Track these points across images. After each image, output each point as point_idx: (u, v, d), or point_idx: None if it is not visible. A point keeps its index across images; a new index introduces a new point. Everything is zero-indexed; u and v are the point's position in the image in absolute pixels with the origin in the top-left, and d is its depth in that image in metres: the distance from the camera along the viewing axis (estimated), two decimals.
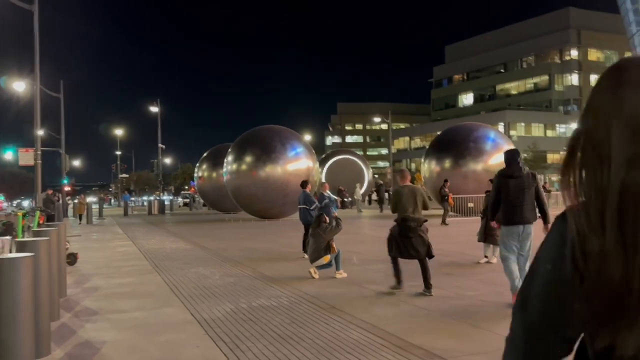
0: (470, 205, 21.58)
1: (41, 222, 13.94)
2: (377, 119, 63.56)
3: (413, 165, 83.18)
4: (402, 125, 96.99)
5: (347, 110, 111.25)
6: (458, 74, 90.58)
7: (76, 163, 59.45)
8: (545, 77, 77.22)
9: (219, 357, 4.93)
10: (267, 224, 23.29)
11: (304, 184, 11.89)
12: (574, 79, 75.55)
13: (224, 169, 26.56)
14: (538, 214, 6.74)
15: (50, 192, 25.66)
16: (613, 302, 0.89)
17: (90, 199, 53.74)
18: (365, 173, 41.66)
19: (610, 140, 0.91)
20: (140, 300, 7.67)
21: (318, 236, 8.96)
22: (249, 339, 5.40)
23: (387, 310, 6.55)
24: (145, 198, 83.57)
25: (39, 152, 22.80)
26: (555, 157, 70.90)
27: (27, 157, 25.60)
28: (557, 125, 74.91)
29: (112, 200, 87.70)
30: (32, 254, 4.34)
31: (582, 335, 1.01)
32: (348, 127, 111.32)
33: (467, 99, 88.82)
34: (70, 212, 39.36)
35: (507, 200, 6.60)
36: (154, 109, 44.85)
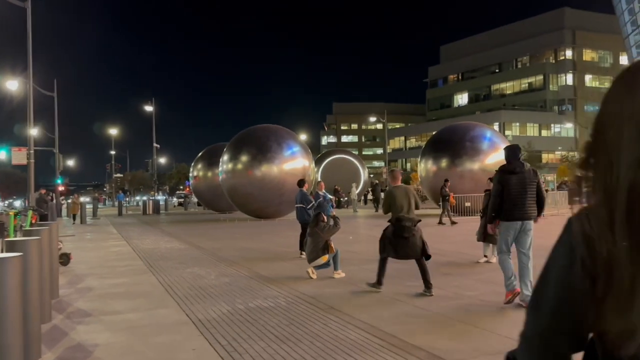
0: (468, 204, 21.50)
1: (34, 221, 13.76)
2: (372, 119, 63.47)
3: (408, 165, 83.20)
4: (398, 125, 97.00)
5: (343, 110, 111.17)
6: (453, 74, 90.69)
7: (70, 163, 59.06)
8: (540, 77, 77.40)
9: None
10: (262, 223, 23.14)
11: (301, 182, 11.76)
12: (568, 79, 75.76)
13: (220, 169, 26.39)
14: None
15: (43, 191, 25.41)
16: (623, 303, 0.90)
17: (84, 198, 53.46)
18: (361, 173, 41.56)
19: (621, 142, 0.92)
20: (134, 301, 7.52)
21: (316, 235, 8.83)
22: (246, 341, 5.26)
23: (385, 311, 6.43)
24: (137, 198, 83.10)
25: (32, 152, 22.56)
26: (550, 157, 71.07)
27: (20, 156, 25.33)
28: (551, 125, 75.11)
29: (107, 200, 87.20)
30: (21, 253, 4.19)
31: (592, 334, 1.03)
32: (344, 127, 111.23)
33: (462, 99, 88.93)
34: (64, 211, 39.08)
35: (509, 196, 6.53)
36: (149, 108, 44.61)
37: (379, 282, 7.54)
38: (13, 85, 24.75)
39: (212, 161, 31.25)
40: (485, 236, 9.98)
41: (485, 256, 10.21)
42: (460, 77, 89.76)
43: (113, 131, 63.39)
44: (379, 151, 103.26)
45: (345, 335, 5.34)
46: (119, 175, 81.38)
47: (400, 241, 7.31)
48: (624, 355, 0.91)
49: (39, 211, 18.83)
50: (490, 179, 8.93)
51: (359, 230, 19.06)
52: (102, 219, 32.58)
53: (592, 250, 0.94)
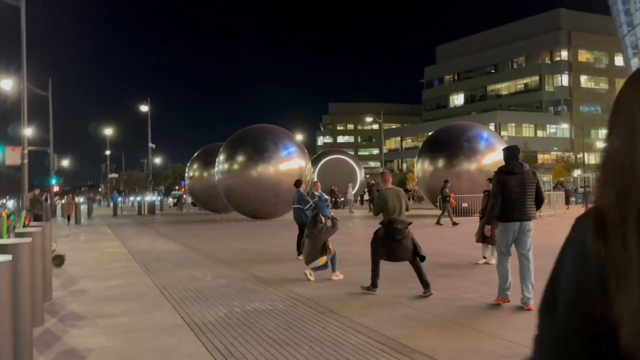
0: (465, 205, 21.43)
1: (27, 222, 13.58)
2: (368, 119, 63.42)
3: (404, 166, 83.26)
4: (394, 126, 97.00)
5: (339, 111, 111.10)
6: (449, 74, 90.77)
7: (65, 163, 58.75)
8: (536, 78, 77.56)
9: None
10: (259, 224, 23.01)
11: (297, 183, 11.64)
12: (564, 79, 75.93)
13: (216, 169, 26.25)
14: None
15: (37, 192, 25.17)
16: (636, 303, 0.88)
17: (78, 198, 53.14)
18: (358, 173, 41.48)
19: (636, 143, 0.92)
20: (129, 303, 7.38)
21: (314, 237, 8.71)
22: (243, 345, 5.14)
23: (385, 313, 6.32)
24: (132, 198, 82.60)
25: (26, 152, 22.36)
26: (545, 158, 71.24)
27: (13, 156, 25.12)
28: (547, 125, 75.26)
29: (102, 201, 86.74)
30: (10, 256, 4.06)
31: (608, 336, 0.98)
32: (340, 127, 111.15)
33: (458, 99, 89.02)
34: (58, 212, 38.81)
35: (509, 197, 6.50)
36: (144, 107, 44.38)
37: (373, 285, 7.49)
38: (7, 84, 24.54)
39: (208, 161, 31.10)
40: (484, 237, 9.90)
41: (484, 257, 10.13)
42: (456, 78, 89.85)
43: (108, 131, 63.15)
44: (375, 151, 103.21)
45: (345, 340, 5.23)
46: (114, 175, 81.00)
47: (392, 244, 7.29)
48: None
49: (33, 212, 18.64)
50: (490, 180, 8.86)
51: (356, 231, 18.95)
52: (97, 220, 32.36)
53: (603, 249, 0.93)
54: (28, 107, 22.28)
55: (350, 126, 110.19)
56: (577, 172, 60.73)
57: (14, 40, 21.73)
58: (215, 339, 5.41)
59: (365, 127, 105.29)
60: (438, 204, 21.93)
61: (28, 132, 24.55)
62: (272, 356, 4.81)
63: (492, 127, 63.55)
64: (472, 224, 17.50)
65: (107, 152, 74.43)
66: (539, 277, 6.61)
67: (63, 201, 39.32)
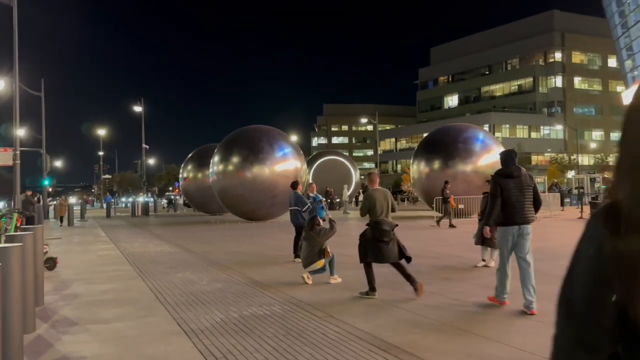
0: (461, 206, 21.33)
1: (19, 224, 13.36)
2: (363, 120, 63.34)
3: (399, 167, 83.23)
4: (388, 127, 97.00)
5: (333, 111, 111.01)
6: (443, 75, 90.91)
7: (58, 163, 58.29)
8: (530, 80, 77.80)
9: None
10: (254, 225, 22.83)
11: (294, 185, 11.48)
12: (557, 81, 76.21)
13: (210, 170, 26.03)
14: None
15: (29, 193, 24.88)
16: None
17: (72, 200, 52.69)
18: (353, 174, 41.34)
19: None
20: (123, 308, 7.21)
21: (312, 239, 8.56)
22: (242, 353, 4.98)
23: (386, 319, 6.18)
24: (123, 199, 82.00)
25: (18, 152, 22.09)
26: (539, 159, 71.44)
27: (5, 157, 24.82)
28: (541, 127, 75.50)
29: (95, 202, 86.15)
30: None
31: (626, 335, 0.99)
32: (334, 128, 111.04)
33: (452, 100, 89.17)
34: (51, 213, 38.45)
35: (509, 200, 6.49)
36: (138, 108, 44.08)
37: (372, 290, 7.39)
38: None
39: (202, 162, 30.88)
40: (483, 240, 9.79)
41: (484, 260, 10.01)
42: (450, 79, 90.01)
43: (101, 132, 62.73)
44: (370, 152, 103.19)
45: (347, 347, 5.08)
46: (107, 176, 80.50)
47: (381, 245, 7.24)
48: None
49: (25, 214, 18.38)
50: (489, 181, 8.76)
51: (352, 232, 18.80)
52: (90, 221, 32.06)
53: (619, 246, 0.93)
54: (22, 107, 22.03)
55: (345, 127, 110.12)
56: (570, 173, 60.95)
57: (7, 40, 21.41)
58: (213, 346, 5.25)
59: (360, 128, 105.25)
60: (435, 205, 21.79)
61: (20, 132, 24.26)
62: None
63: (486, 128, 63.60)
64: (468, 225, 17.42)
65: (100, 153, 74.00)
66: (538, 280, 6.53)
67: (55, 202, 38.97)
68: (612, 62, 73.00)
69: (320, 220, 8.95)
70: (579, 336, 1.02)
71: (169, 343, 5.46)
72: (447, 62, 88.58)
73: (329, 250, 8.66)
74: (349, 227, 21.53)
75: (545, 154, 70.34)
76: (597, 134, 76.75)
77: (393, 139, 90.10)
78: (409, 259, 7.37)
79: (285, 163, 24.24)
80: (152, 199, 58.69)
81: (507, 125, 73.73)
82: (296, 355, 4.88)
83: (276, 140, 24.87)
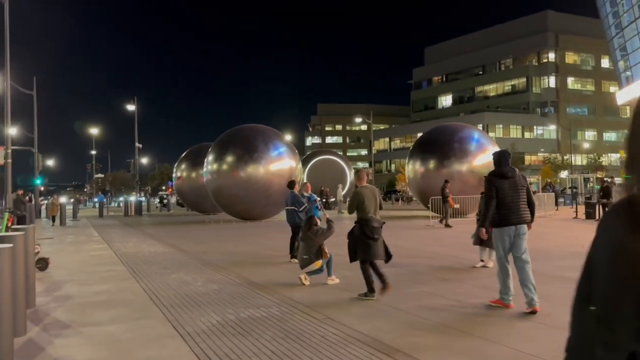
0: (457, 206, 21.27)
1: (10, 224, 13.14)
2: (358, 120, 63.26)
3: (393, 166, 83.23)
4: (382, 126, 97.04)
5: (327, 111, 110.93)
6: (437, 75, 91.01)
7: (50, 162, 57.80)
8: (523, 80, 78.03)
9: None
10: (248, 225, 22.68)
11: (291, 184, 11.35)
12: (551, 81, 76.48)
13: (204, 169, 25.84)
14: None
15: (20, 192, 24.58)
16: None
17: (64, 199, 52.26)
18: (348, 174, 41.23)
19: None
20: (116, 310, 7.05)
21: (309, 240, 8.44)
22: (240, 357, 4.85)
23: (386, 321, 6.07)
24: (114, 199, 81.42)
25: (10, 151, 21.84)
26: (532, 159, 71.68)
27: None
28: (534, 127, 75.76)
29: (87, 201, 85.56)
30: None
31: None
32: (328, 128, 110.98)
33: (446, 100, 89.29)
34: (43, 212, 38.08)
35: (504, 201, 6.49)
36: (131, 107, 43.77)
37: (370, 290, 7.27)
38: None
39: (196, 161, 30.68)
40: (481, 240, 9.71)
41: (482, 260, 9.93)
42: (444, 79, 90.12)
43: (94, 131, 62.28)
44: (364, 152, 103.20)
45: (347, 351, 4.96)
46: (100, 175, 79.97)
47: (370, 242, 7.20)
48: None
49: (17, 213, 18.14)
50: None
51: (346, 232, 18.70)
52: (83, 221, 31.76)
53: (636, 241, 0.92)
54: (14, 106, 21.77)
55: (339, 127, 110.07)
56: (563, 173, 61.16)
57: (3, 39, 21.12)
58: (210, 350, 5.11)
59: (354, 128, 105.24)
60: (430, 204, 21.71)
61: (12, 131, 23.98)
62: None
63: (479, 128, 63.80)
64: (464, 225, 17.36)
65: (93, 152, 73.50)
66: (536, 280, 6.46)
67: (47, 202, 38.61)
68: (605, 62, 73.38)
69: (317, 220, 8.82)
70: (598, 334, 1.00)
71: (164, 346, 5.32)
72: (441, 62, 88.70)
73: (326, 250, 8.54)
74: (345, 226, 21.42)
75: (539, 154, 70.58)
76: (590, 134, 77.14)
77: (387, 139, 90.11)
78: (389, 257, 7.41)
79: (280, 162, 24.10)
80: (144, 199, 58.32)
81: (501, 125, 73.92)
82: (295, 359, 4.76)
83: (271, 139, 24.72)
